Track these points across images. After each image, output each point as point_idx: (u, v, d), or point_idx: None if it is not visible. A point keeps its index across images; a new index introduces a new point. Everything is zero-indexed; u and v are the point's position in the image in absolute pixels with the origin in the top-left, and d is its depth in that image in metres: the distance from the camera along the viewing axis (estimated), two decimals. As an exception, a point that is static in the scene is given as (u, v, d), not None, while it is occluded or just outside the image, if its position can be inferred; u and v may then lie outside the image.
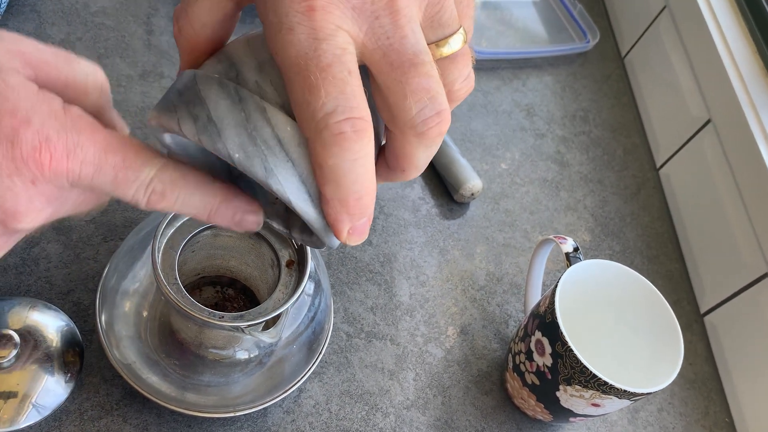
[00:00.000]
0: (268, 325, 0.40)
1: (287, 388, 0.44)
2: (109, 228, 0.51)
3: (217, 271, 0.48)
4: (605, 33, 0.88)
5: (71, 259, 0.49)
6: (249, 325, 0.37)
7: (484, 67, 0.77)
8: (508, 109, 0.74)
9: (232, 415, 0.43)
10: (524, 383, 0.49)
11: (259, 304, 0.40)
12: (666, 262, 0.68)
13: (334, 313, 0.53)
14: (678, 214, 0.71)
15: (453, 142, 0.64)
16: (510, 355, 0.52)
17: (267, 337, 0.39)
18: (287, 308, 0.39)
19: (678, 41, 0.74)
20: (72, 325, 0.46)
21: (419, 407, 0.51)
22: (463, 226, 0.62)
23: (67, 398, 0.43)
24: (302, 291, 0.40)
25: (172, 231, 0.40)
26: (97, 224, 0.51)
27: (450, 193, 0.63)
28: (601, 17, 0.90)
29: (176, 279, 0.38)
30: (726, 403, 0.59)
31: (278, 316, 0.39)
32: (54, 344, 0.44)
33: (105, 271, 0.45)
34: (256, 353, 0.42)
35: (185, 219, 0.41)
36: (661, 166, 0.75)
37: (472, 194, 0.61)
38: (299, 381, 0.45)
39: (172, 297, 0.37)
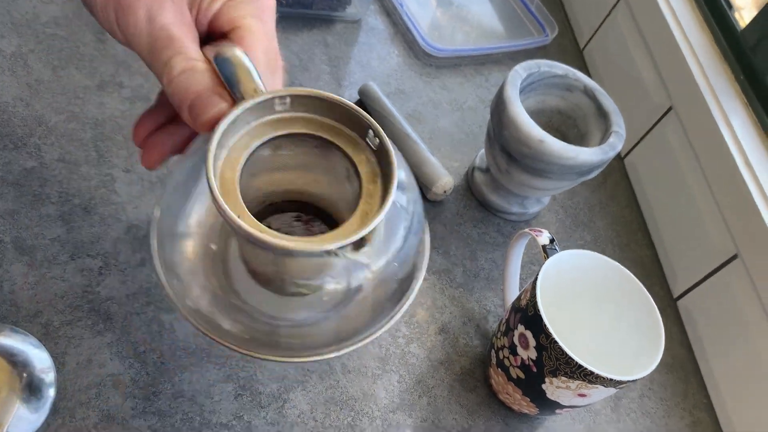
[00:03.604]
0: (358, 246, 0.33)
1: (387, 319, 0.37)
2: (75, 245, 0.49)
3: (284, 195, 0.40)
4: (563, 26, 0.89)
5: (37, 280, 0.47)
6: (341, 246, 0.31)
7: (447, 64, 0.77)
8: (474, 105, 0.74)
9: (335, 354, 0.36)
10: (509, 378, 0.49)
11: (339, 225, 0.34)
12: (636, 249, 0.69)
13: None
14: (645, 202, 0.72)
15: (422, 140, 0.64)
16: (493, 350, 0.51)
17: (363, 258, 0.33)
18: (381, 219, 0.33)
19: (636, 31, 0.75)
20: (42, 348, 0.44)
21: (405, 409, 0.50)
22: (437, 223, 0.62)
23: (42, 425, 0.41)
24: (393, 197, 0.33)
25: (225, 153, 0.34)
26: (62, 242, 0.49)
27: (422, 192, 0.63)
28: (557, 11, 0.91)
29: (242, 206, 0.33)
30: (703, 384, 0.60)
31: (369, 234, 0.33)
32: (24, 369, 0.42)
33: (155, 219, 0.37)
34: (347, 283, 0.36)
35: (233, 140, 0.34)
36: (626, 155, 0.76)
37: (445, 191, 0.61)
38: (399, 311, 0.37)
39: (242, 227, 0.31)
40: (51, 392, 0.43)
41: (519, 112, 0.55)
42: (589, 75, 0.84)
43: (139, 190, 0.53)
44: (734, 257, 0.58)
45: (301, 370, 0.49)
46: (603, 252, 0.66)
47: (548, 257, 0.49)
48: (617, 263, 0.50)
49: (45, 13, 0.61)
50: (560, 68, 0.60)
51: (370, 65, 0.72)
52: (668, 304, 0.65)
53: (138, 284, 0.49)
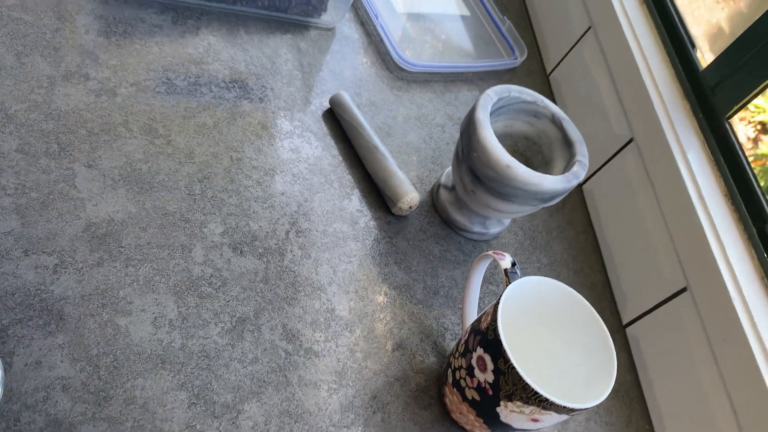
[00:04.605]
0: None
1: None
2: (30, 241, 0.47)
3: None
4: (531, 49, 0.90)
5: (-13, 275, 0.45)
6: None
7: (418, 79, 0.77)
8: (442, 122, 0.74)
9: None
10: (464, 398, 0.50)
11: None
12: (590, 274, 0.70)
13: (272, 330, 0.51)
14: (600, 229, 0.74)
15: (390, 155, 0.64)
16: (449, 370, 0.52)
17: None
18: None
19: (602, 61, 0.77)
20: (-11, 347, 0.42)
21: (359, 425, 0.50)
22: (400, 239, 0.62)
23: (-16, 428, 0.40)
24: None
25: None
26: (16, 237, 0.47)
27: (388, 206, 0.63)
28: (526, 33, 0.93)
29: None
30: (647, 411, 0.62)
31: None
32: (-31, 369, 0.40)
33: None
34: None
35: None
36: (585, 182, 0.78)
37: (410, 207, 0.62)
38: None
39: None
40: (-4, 394, 0.41)
41: (488, 136, 0.55)
42: (554, 100, 0.86)
43: (101, 186, 0.52)
44: (684, 290, 0.60)
45: (257, 380, 0.48)
46: (558, 275, 0.68)
47: (510, 281, 0.50)
48: (576, 293, 0.51)
49: (10, -5, 0.59)
50: (530, 95, 0.61)
51: (342, 74, 0.72)
52: (616, 331, 0.67)
53: (94, 285, 0.47)
